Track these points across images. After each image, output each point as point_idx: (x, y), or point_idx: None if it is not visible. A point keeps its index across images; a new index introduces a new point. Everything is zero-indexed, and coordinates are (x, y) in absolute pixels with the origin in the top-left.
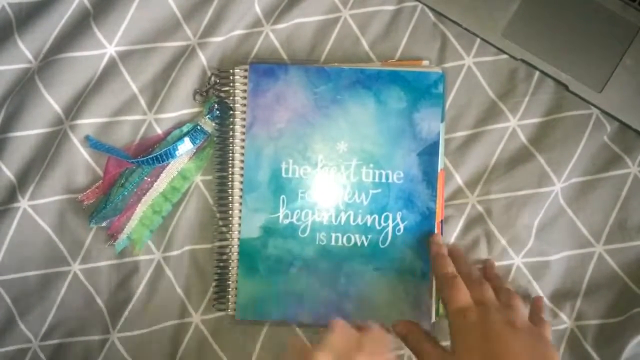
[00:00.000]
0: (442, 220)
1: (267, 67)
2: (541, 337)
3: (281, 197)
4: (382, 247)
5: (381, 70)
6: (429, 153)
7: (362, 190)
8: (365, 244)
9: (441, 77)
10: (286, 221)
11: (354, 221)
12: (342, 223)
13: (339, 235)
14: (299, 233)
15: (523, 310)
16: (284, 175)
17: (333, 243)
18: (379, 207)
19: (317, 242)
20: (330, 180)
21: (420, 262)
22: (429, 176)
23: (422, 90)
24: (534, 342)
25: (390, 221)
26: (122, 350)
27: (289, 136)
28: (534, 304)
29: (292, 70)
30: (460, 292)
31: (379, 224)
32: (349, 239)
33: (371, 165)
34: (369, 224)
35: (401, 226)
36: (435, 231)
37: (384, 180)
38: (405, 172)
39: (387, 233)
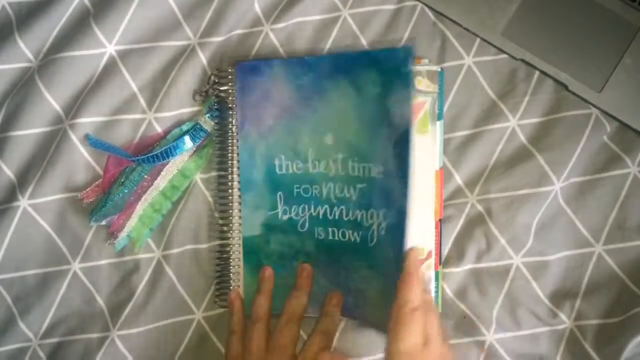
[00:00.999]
0: (440, 220)
1: (252, 65)
2: None
3: (278, 194)
4: (370, 245)
5: (355, 54)
6: (401, 142)
7: (350, 185)
8: (358, 240)
9: (409, 50)
10: (285, 217)
11: (346, 216)
12: (337, 218)
13: (335, 230)
14: (299, 227)
15: None
16: (278, 172)
17: (331, 237)
18: (365, 202)
19: (316, 236)
20: (321, 175)
21: (394, 266)
22: (402, 170)
23: (393, 70)
24: None
25: (375, 219)
26: (122, 348)
27: (279, 132)
28: None
29: (275, 65)
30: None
31: (367, 221)
32: (343, 234)
33: (356, 159)
34: (358, 220)
35: (384, 225)
36: (434, 229)
37: (367, 174)
38: (384, 166)
39: (373, 231)
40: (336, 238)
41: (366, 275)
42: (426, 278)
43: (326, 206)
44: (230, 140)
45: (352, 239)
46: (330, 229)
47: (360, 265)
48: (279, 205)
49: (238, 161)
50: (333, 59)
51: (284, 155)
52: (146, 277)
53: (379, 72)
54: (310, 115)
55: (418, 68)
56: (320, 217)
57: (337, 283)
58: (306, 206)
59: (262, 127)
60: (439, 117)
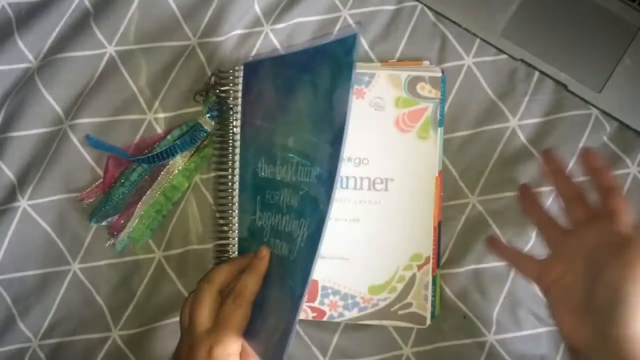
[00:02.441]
0: (439, 222)
1: (255, 64)
2: None
3: (257, 198)
4: (291, 259)
5: (314, 47)
6: (335, 143)
7: (296, 191)
8: (286, 253)
9: (354, 39)
10: (259, 223)
11: (287, 227)
12: (281, 228)
13: (278, 241)
14: (264, 237)
15: None
16: (260, 175)
17: (276, 251)
18: (301, 210)
19: (272, 247)
20: (282, 181)
21: (300, 284)
22: (331, 173)
23: (338, 62)
24: None
25: (301, 229)
26: (124, 347)
27: (262, 134)
28: None
29: (265, 63)
30: None
31: (296, 232)
32: (279, 247)
33: (304, 162)
34: (292, 231)
35: (305, 236)
36: (432, 234)
37: (308, 178)
38: (320, 169)
39: (297, 243)
40: (278, 252)
41: (275, 296)
42: (424, 282)
43: (280, 215)
44: (230, 141)
45: (281, 253)
46: (277, 241)
47: (274, 284)
48: (257, 210)
49: (238, 161)
50: (301, 54)
51: (264, 157)
52: (147, 278)
53: (329, 65)
54: (282, 115)
55: (420, 73)
56: (274, 225)
57: (261, 305)
58: (270, 214)
59: (253, 128)
60: (440, 123)
